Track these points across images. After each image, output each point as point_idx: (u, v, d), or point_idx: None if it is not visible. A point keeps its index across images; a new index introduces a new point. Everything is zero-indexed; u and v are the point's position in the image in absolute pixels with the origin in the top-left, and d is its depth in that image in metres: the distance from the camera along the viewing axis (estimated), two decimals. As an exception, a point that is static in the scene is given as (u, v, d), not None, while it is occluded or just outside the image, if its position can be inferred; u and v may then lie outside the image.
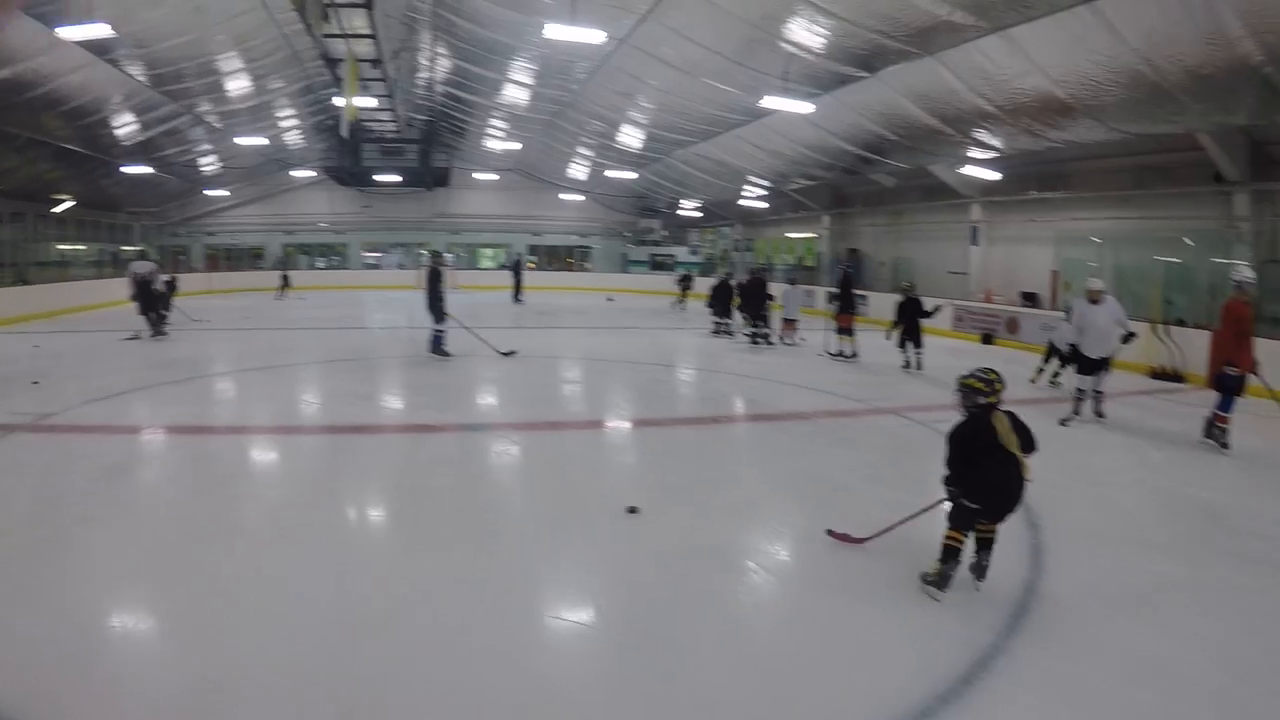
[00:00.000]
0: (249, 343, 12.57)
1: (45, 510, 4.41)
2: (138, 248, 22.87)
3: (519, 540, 4.15)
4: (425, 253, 20.95)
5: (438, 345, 10.18)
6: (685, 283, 20.68)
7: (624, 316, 18.04)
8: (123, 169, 18.39)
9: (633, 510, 4.45)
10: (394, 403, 8.28)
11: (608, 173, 21.87)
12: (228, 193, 25.73)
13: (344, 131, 13.96)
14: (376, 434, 6.52)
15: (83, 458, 5.53)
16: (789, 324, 12.72)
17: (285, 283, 22.40)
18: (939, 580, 3.49)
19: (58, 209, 19.72)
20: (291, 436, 6.56)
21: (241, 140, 18.12)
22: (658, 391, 8.91)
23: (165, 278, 13.24)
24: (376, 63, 15.57)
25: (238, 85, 15.64)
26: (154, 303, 12.42)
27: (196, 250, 27.40)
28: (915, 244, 18.10)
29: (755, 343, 12.52)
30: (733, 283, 14.65)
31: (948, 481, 3.55)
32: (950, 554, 3.50)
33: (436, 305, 10.01)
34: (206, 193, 25.29)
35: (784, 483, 5.36)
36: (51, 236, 20.52)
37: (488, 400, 8.53)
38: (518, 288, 21.38)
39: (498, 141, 22.91)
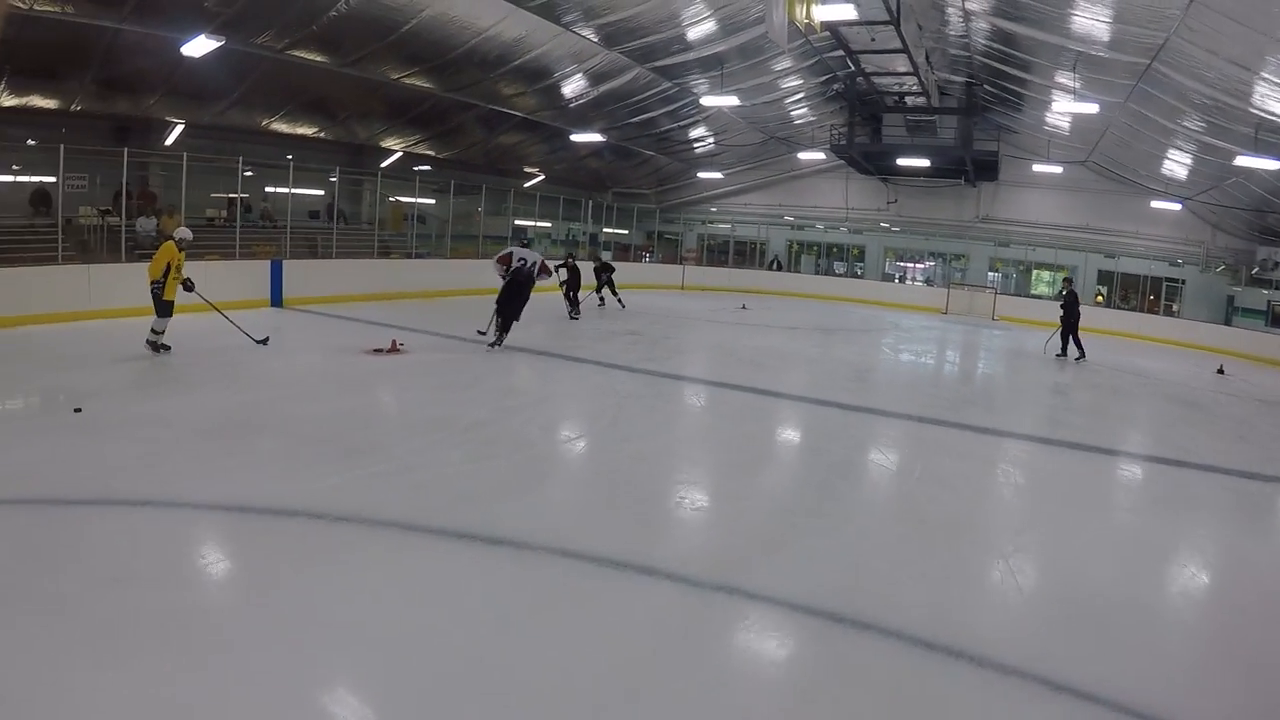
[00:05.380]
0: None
1: None
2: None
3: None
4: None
5: None
6: None
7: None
8: (573, 137, 17.55)
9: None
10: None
11: (1239, 160, 11.84)
12: (720, 175, 23.97)
13: (779, 39, 8.97)
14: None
15: None
16: None
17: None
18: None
19: (528, 184, 19.96)
20: None
21: (709, 100, 15.42)
22: None
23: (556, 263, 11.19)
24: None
25: (700, 30, 12.79)
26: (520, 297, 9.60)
27: (690, 239, 25.66)
28: None
29: None
30: None
31: None
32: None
33: None
34: (700, 175, 24.19)
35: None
36: (517, 212, 19.62)
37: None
38: (1068, 334, 12.67)
39: (1063, 105, 14.31)
